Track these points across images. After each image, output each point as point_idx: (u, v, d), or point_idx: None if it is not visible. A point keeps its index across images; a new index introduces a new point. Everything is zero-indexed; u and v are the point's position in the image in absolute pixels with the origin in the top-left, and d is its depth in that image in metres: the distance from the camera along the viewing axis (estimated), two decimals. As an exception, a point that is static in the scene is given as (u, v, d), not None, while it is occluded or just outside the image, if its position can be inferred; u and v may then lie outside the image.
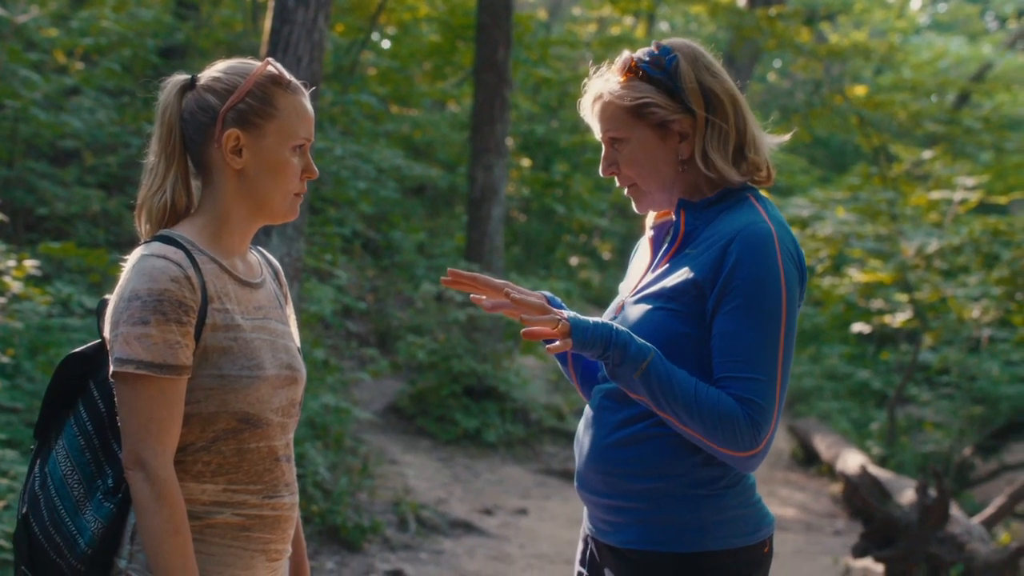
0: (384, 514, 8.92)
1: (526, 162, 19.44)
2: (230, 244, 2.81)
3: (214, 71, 2.82)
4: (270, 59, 2.82)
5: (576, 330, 2.75)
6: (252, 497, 2.76)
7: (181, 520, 2.61)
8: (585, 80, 3.04)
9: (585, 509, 3.06)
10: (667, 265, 2.92)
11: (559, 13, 27.15)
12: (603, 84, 2.97)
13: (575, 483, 3.02)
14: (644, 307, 2.89)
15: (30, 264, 6.94)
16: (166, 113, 2.79)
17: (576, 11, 27.10)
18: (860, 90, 20.56)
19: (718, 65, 2.96)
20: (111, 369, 2.62)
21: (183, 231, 2.75)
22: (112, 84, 12.75)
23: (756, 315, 2.75)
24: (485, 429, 11.84)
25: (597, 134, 3.01)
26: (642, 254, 3.13)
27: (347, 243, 13.88)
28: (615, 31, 23.59)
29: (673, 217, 2.98)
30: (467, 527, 9.24)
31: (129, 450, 2.60)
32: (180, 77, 2.82)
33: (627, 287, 3.08)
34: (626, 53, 2.98)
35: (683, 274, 2.84)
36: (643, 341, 2.79)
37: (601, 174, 3.03)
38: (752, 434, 2.73)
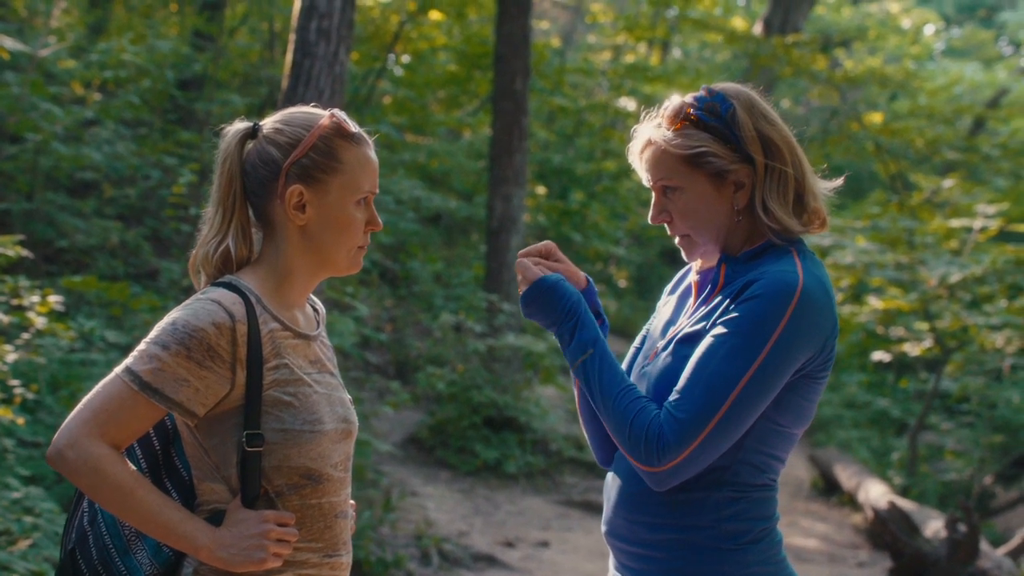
0: (407, 548, 8.87)
1: (542, 190, 19.43)
2: (291, 298, 2.76)
3: (277, 121, 2.76)
4: (335, 111, 2.75)
5: (532, 288, 2.86)
6: (313, 556, 2.72)
7: (135, 478, 2.57)
8: (634, 127, 2.96)
9: (611, 556, 3.02)
10: (700, 311, 2.88)
11: (572, 41, 27.19)
12: (655, 131, 2.89)
13: (603, 529, 2.99)
14: (674, 354, 2.85)
15: (54, 300, 6.92)
16: (227, 163, 2.72)
17: (591, 39, 27.14)
18: (876, 117, 20.55)
19: (773, 112, 2.88)
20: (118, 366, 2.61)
21: (248, 281, 2.70)
22: (130, 115, 12.76)
23: (732, 347, 2.69)
24: (505, 460, 11.79)
25: (646, 181, 2.94)
26: (681, 297, 3.09)
27: (365, 273, 13.86)
28: (630, 58, 23.60)
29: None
30: (490, 560, 9.18)
31: (63, 428, 2.56)
32: (242, 125, 2.75)
33: (657, 328, 3.05)
34: (676, 98, 2.90)
35: (706, 318, 2.82)
36: (590, 333, 2.84)
37: (651, 222, 2.96)
38: (657, 449, 2.68)
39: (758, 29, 20.53)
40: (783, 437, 2.83)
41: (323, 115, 2.75)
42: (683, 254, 2.98)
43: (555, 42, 25.05)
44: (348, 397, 2.85)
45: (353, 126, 2.75)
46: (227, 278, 2.70)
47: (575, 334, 2.83)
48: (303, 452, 2.65)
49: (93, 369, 7.90)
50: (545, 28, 26.90)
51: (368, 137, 2.79)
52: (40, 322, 6.82)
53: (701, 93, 2.89)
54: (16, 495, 5.90)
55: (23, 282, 6.99)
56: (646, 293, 20.27)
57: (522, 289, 2.89)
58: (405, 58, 18.43)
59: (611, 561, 3.04)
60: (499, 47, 13.69)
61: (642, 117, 2.97)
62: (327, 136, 2.71)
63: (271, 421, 2.63)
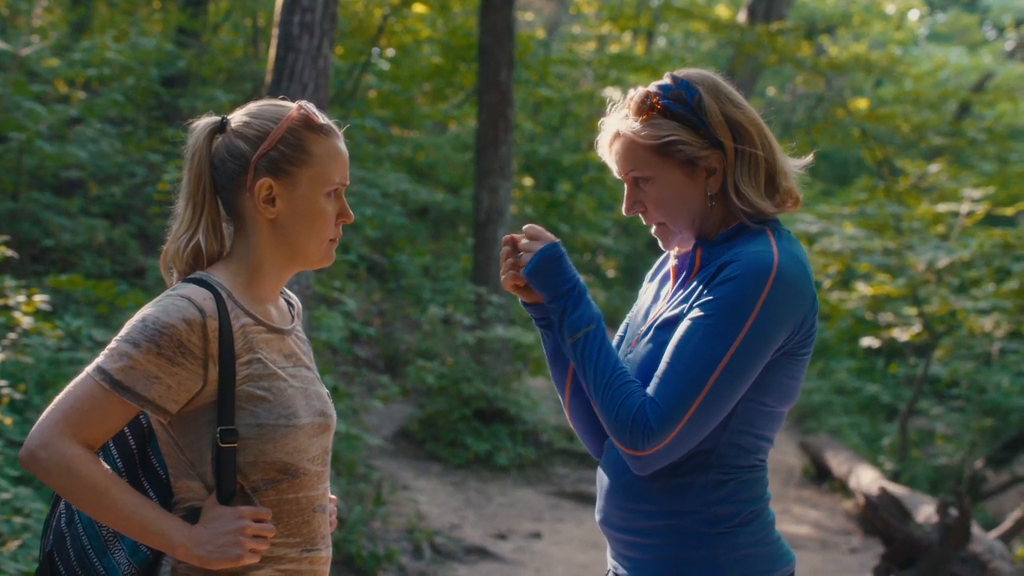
0: (398, 542, 8.86)
1: (528, 182, 19.42)
2: (263, 292, 2.75)
3: (245, 114, 2.74)
4: (303, 102, 2.73)
5: (548, 249, 2.81)
6: (291, 551, 2.70)
7: (108, 477, 2.55)
8: (601, 120, 2.95)
9: (608, 545, 3.02)
10: (678, 296, 2.88)
11: (557, 32, 27.16)
12: (622, 123, 2.87)
13: (597, 518, 2.98)
14: (654, 339, 2.85)
15: (40, 299, 6.90)
16: (195, 157, 2.71)
17: (576, 29, 27.11)
18: (862, 103, 20.55)
19: (739, 95, 2.88)
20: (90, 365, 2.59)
21: (219, 276, 2.69)
22: (115, 113, 12.72)
23: (709, 330, 2.68)
24: (496, 452, 11.78)
25: (617, 173, 2.93)
26: (660, 282, 3.08)
27: (353, 268, 13.83)
28: (615, 48, 23.58)
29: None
30: (482, 553, 9.17)
31: (35, 429, 2.55)
32: (210, 119, 2.74)
33: (639, 314, 3.04)
34: (641, 89, 2.88)
35: (683, 302, 2.82)
36: (594, 310, 2.82)
37: (625, 214, 2.96)
38: (642, 435, 2.68)
39: (742, 17, 20.55)
40: (769, 416, 2.82)
41: (291, 107, 2.73)
42: (660, 243, 2.97)
43: (540, 33, 25.04)
44: (325, 391, 2.83)
45: (321, 117, 2.73)
46: (198, 274, 2.69)
47: (579, 306, 2.80)
48: (279, 447, 2.64)
49: (81, 368, 7.86)
50: (529, 19, 26.86)
51: (337, 128, 2.77)
52: (27, 322, 6.80)
53: (665, 81, 2.87)
54: (5, 495, 5.88)
55: (9, 282, 6.97)
56: (634, 283, 20.22)
57: (531, 251, 2.83)
58: (389, 51, 18.39)
59: (608, 549, 3.03)
60: (483, 39, 13.66)
61: (608, 109, 2.95)
62: (295, 128, 2.69)
63: (245, 416, 2.61)
